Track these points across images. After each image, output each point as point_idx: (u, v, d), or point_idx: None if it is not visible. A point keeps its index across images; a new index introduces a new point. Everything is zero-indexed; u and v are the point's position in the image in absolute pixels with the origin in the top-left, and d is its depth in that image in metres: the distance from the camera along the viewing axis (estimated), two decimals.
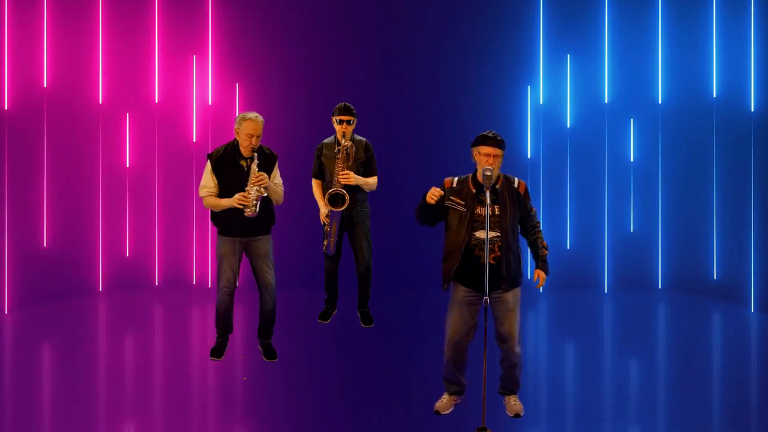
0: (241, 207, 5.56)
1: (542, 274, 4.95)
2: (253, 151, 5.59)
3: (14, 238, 7.20)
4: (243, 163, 5.63)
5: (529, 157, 7.99)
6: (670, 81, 7.94)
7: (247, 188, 5.57)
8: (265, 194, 5.61)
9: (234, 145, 5.67)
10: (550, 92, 7.98)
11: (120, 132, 7.82)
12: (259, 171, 5.58)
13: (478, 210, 4.82)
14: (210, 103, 7.89)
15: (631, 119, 7.96)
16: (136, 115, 7.71)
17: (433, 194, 4.78)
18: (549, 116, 7.99)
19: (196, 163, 7.79)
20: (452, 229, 4.87)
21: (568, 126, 7.99)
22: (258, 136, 5.59)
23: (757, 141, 7.74)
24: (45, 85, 7.48)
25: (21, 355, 5.86)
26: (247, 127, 5.57)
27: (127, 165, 7.83)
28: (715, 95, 7.87)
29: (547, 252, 4.98)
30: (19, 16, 7.35)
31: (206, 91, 7.91)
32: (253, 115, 5.62)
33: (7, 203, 7.20)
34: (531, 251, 5.02)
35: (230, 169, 5.63)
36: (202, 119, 7.90)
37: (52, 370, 5.76)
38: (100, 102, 7.79)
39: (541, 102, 7.97)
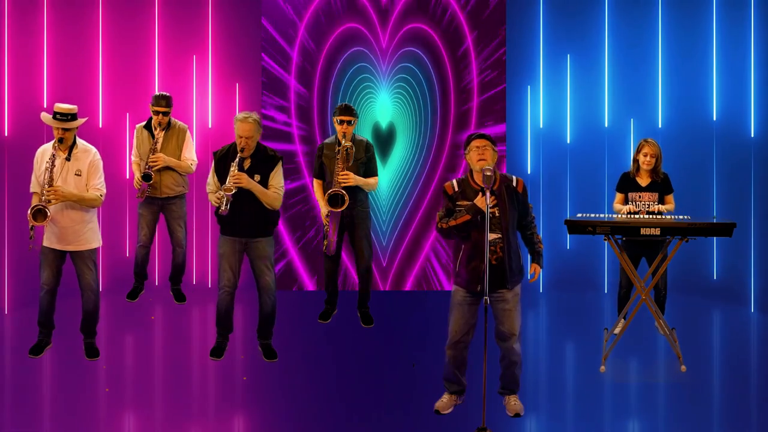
0: (215, 205, 5.57)
1: (538, 267, 5.02)
2: (243, 151, 5.57)
3: (14, 238, 7.19)
4: (243, 163, 5.62)
5: (529, 156, 7.99)
6: (670, 82, 7.94)
7: (224, 186, 5.56)
8: (231, 193, 5.47)
9: (236, 145, 5.67)
10: (550, 91, 7.98)
11: (120, 132, 7.81)
12: (241, 171, 5.53)
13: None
14: (210, 103, 7.90)
15: (631, 119, 7.96)
16: (137, 115, 7.70)
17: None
18: (549, 116, 7.99)
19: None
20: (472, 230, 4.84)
21: (569, 126, 7.99)
22: (248, 137, 5.56)
23: (758, 140, 7.76)
24: (45, 88, 7.48)
25: (21, 355, 5.86)
26: (238, 129, 5.57)
27: (127, 165, 7.82)
28: (715, 104, 7.89)
29: (542, 246, 5.06)
30: (19, 23, 7.36)
31: (206, 91, 7.91)
32: (242, 116, 5.59)
33: (8, 203, 7.20)
34: (527, 246, 5.07)
35: (229, 169, 5.61)
36: (201, 119, 7.90)
37: (53, 370, 5.76)
38: (101, 102, 7.80)
39: (542, 98, 7.97)
